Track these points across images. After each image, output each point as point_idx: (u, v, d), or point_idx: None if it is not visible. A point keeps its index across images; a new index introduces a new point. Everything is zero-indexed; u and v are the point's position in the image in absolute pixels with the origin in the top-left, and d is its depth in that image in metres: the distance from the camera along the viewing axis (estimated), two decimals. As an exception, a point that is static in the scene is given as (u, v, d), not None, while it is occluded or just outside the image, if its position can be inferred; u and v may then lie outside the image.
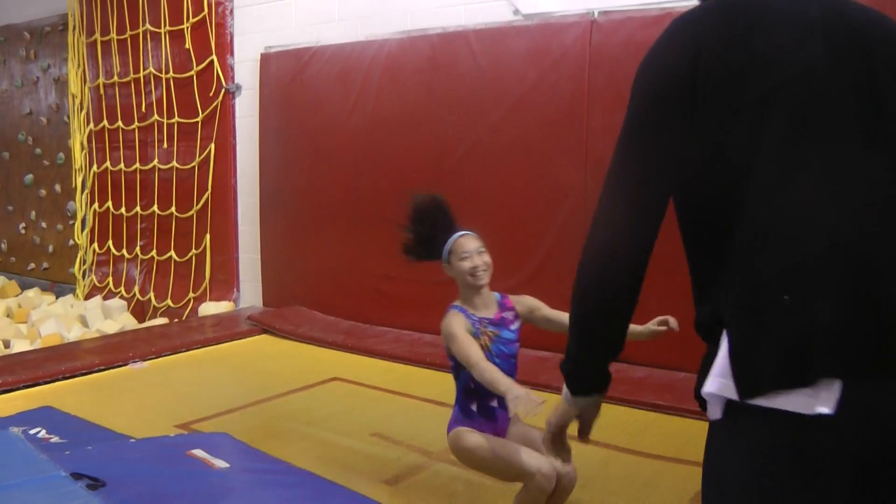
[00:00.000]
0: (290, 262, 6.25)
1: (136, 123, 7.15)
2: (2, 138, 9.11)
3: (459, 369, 2.53)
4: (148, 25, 6.92)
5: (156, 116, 6.97)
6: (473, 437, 2.48)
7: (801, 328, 1.08)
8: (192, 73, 6.64)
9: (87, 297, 7.61)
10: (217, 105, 6.54)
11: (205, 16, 6.51)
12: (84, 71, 7.63)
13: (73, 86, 7.78)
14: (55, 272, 8.57)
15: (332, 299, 5.95)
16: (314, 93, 5.94)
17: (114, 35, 7.22)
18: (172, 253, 6.96)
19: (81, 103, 7.71)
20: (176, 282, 6.97)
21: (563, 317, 2.57)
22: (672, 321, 2.31)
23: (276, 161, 6.26)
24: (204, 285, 6.76)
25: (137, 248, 7.29)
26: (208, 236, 6.72)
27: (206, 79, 6.59)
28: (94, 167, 7.58)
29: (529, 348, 4.31)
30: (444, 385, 4.19)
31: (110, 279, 7.53)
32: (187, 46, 6.65)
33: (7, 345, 6.30)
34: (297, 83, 6.02)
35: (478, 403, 2.53)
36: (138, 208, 7.24)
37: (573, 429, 1.59)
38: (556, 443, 1.60)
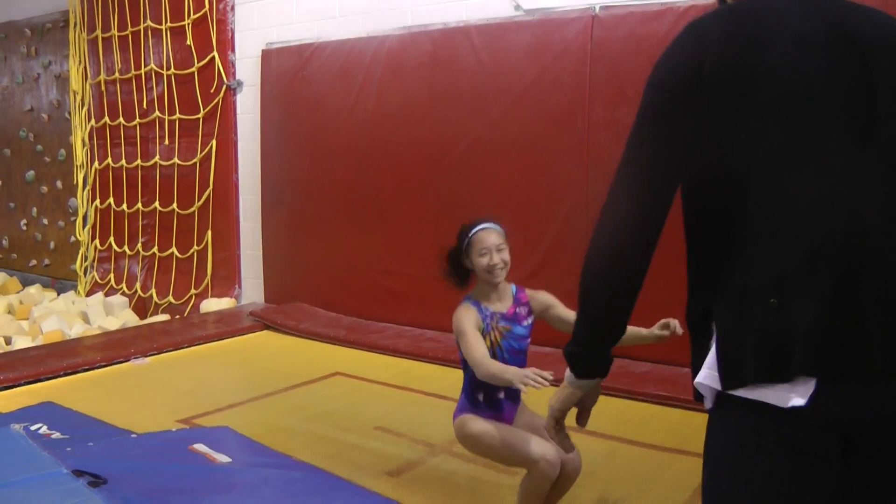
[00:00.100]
0: (292, 259, 6.25)
1: (138, 120, 7.14)
2: (3, 135, 9.11)
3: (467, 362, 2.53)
4: (149, 22, 6.91)
5: (157, 113, 6.96)
6: (479, 424, 2.47)
7: (784, 329, 1.18)
8: (194, 69, 6.63)
9: (88, 294, 7.61)
10: (218, 101, 6.53)
11: (206, 12, 6.50)
12: (85, 67, 7.63)
13: (75, 82, 7.78)
14: (57, 269, 8.57)
15: (333, 295, 5.95)
16: (315, 89, 5.93)
17: (115, 31, 7.21)
18: (174, 249, 6.96)
19: (83, 100, 7.71)
20: (178, 278, 6.97)
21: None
22: (674, 324, 2.29)
23: (277, 157, 6.26)
24: (206, 282, 6.76)
25: (139, 245, 7.29)
26: (210, 233, 6.72)
27: (207, 75, 6.58)
28: (96, 164, 7.58)
29: (533, 344, 4.32)
30: (446, 380, 4.21)
31: (112, 276, 7.53)
32: (188, 43, 6.64)
33: (8, 341, 6.30)
34: (299, 79, 6.01)
35: (485, 394, 2.53)
36: (140, 205, 7.24)
37: (571, 420, 1.62)
38: (559, 427, 1.61)
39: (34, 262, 8.82)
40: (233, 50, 6.53)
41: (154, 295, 7.10)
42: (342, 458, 3.25)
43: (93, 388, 4.31)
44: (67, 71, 8.00)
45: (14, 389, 4.27)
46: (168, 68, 6.83)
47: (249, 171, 6.52)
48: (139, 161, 7.20)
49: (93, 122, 7.57)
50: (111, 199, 7.48)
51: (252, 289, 6.64)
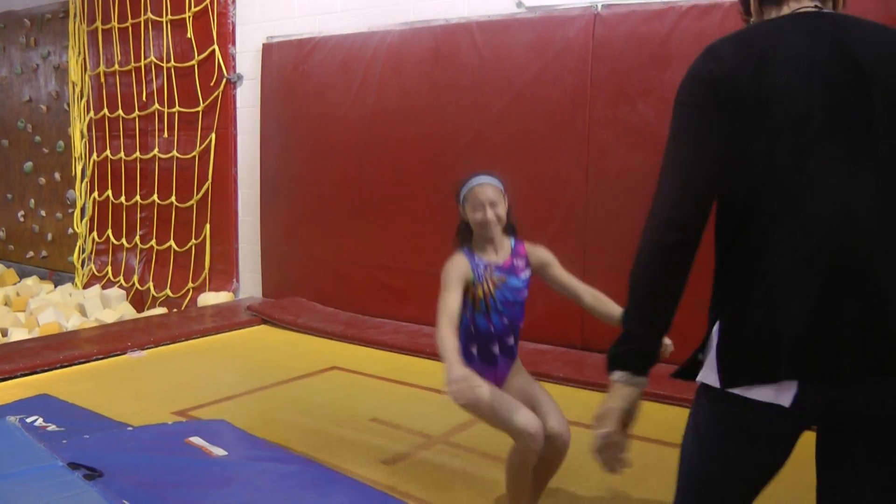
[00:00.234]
0: (290, 253, 6.24)
1: (137, 112, 7.13)
2: (1, 126, 9.09)
3: (461, 311, 2.50)
4: (149, 14, 6.89)
5: (156, 105, 6.94)
6: None
7: (773, 336, 1.35)
8: (194, 62, 6.61)
9: (85, 286, 7.60)
10: (218, 95, 6.52)
11: (207, 5, 6.48)
12: (84, 59, 7.61)
13: (74, 74, 7.75)
14: (54, 261, 8.56)
15: (331, 290, 5.94)
16: (316, 84, 5.91)
17: (115, 23, 7.19)
18: (172, 243, 6.95)
19: (81, 91, 7.68)
20: (175, 272, 6.96)
21: (574, 283, 2.56)
22: (667, 343, 2.27)
23: (276, 151, 6.24)
24: (203, 275, 6.75)
25: (137, 238, 7.28)
26: (208, 226, 6.70)
27: (207, 68, 6.56)
28: (94, 155, 7.56)
29: (529, 341, 4.32)
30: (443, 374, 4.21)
31: (109, 268, 7.52)
32: (189, 35, 6.62)
33: (5, 333, 6.29)
34: (299, 74, 6.00)
35: (479, 347, 2.52)
36: (138, 197, 7.23)
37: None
38: (618, 445, 1.54)
39: (31, 253, 8.80)
40: (233, 43, 6.51)
41: (151, 288, 7.09)
42: (338, 448, 3.26)
43: (89, 381, 4.30)
44: (66, 62, 7.98)
45: (10, 381, 4.26)
46: (168, 61, 6.81)
47: (248, 165, 6.50)
48: (138, 154, 7.18)
49: (92, 113, 7.55)
50: (109, 192, 7.46)
51: (250, 283, 6.63)
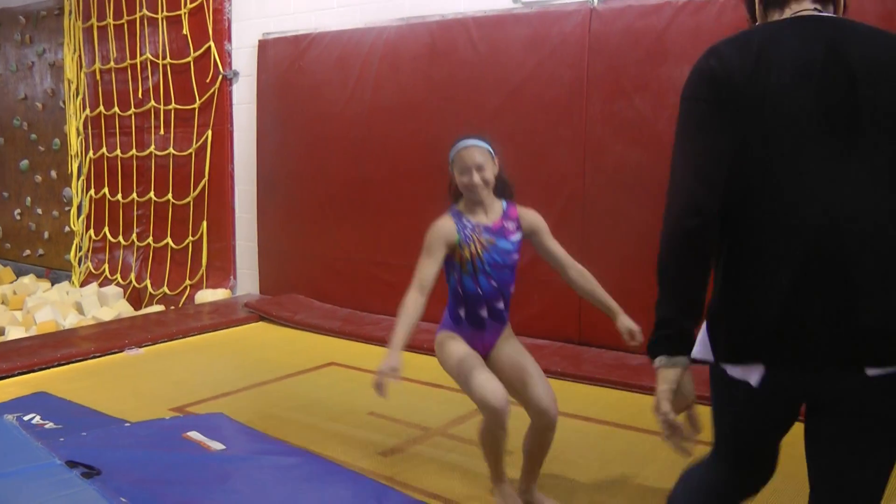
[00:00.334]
0: (288, 250, 6.23)
1: (133, 109, 7.11)
2: (-3, 124, 9.07)
3: (450, 272, 2.51)
4: (145, 11, 6.87)
5: (152, 102, 6.93)
6: (449, 347, 2.49)
7: (746, 324, 1.50)
8: (190, 59, 6.60)
9: (82, 284, 7.59)
10: (214, 91, 6.50)
11: (202, 2, 6.46)
12: (80, 56, 7.59)
13: (69, 71, 7.73)
14: (51, 259, 8.54)
15: (329, 287, 5.94)
16: (312, 80, 5.90)
17: (110, 20, 7.18)
18: (169, 240, 6.94)
19: (77, 88, 7.67)
20: (172, 269, 6.96)
21: (562, 255, 2.56)
22: (638, 335, 2.39)
23: (273, 148, 6.23)
24: (201, 273, 6.74)
25: (134, 235, 7.27)
26: (205, 223, 6.70)
27: (203, 65, 6.55)
28: (91, 153, 7.55)
29: (526, 336, 4.32)
30: (441, 370, 4.20)
31: (106, 266, 7.51)
32: (185, 32, 6.61)
33: (2, 332, 6.29)
34: (295, 70, 5.99)
35: (466, 310, 2.51)
36: (135, 195, 7.21)
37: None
38: (675, 428, 1.57)
39: (28, 252, 8.79)
40: (229, 40, 6.50)
41: (149, 285, 7.09)
42: (336, 442, 3.27)
43: (87, 379, 4.30)
44: (62, 59, 7.96)
45: (8, 380, 4.25)
46: (164, 58, 6.79)
47: (245, 162, 6.49)
48: (134, 151, 7.17)
49: (87, 111, 7.54)
50: (106, 189, 7.45)
51: (247, 280, 6.62)
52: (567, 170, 4.70)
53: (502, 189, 2.57)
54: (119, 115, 7.24)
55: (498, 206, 2.54)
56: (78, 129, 7.66)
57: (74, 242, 7.84)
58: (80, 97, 7.61)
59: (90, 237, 7.66)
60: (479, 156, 2.46)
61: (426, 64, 5.29)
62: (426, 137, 5.29)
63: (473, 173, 2.45)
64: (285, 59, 6.05)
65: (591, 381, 4.06)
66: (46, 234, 8.57)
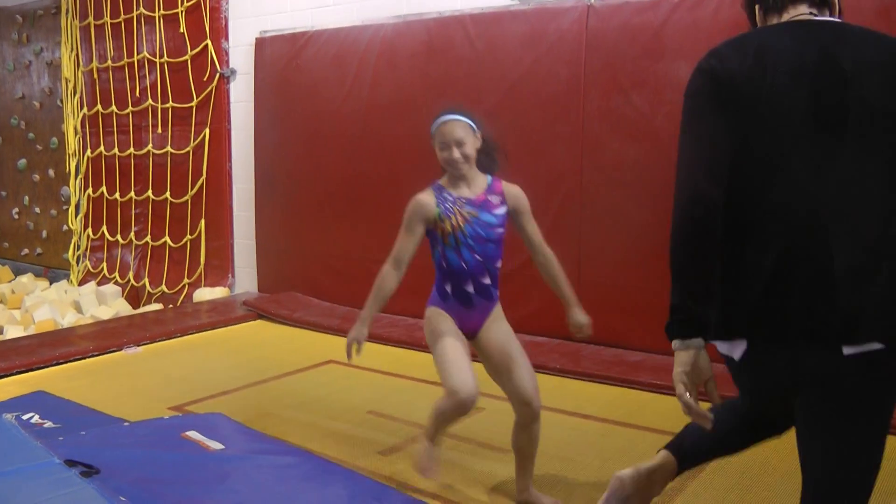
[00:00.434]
0: (286, 248, 6.23)
1: (130, 108, 7.11)
2: (-6, 123, 9.06)
3: (434, 246, 2.50)
4: (142, 9, 6.86)
5: (150, 101, 6.92)
6: (435, 323, 2.50)
7: (732, 303, 1.61)
8: (187, 57, 6.59)
9: (81, 283, 7.58)
10: (212, 90, 6.50)
11: (199, 0, 6.47)
12: (77, 55, 7.58)
13: (67, 70, 7.72)
14: (49, 258, 8.54)
15: (327, 285, 5.94)
16: (309, 78, 5.90)
17: (107, 18, 7.17)
18: (167, 238, 6.94)
19: (75, 87, 7.66)
20: (171, 267, 6.96)
21: (536, 239, 2.55)
22: (586, 329, 2.52)
23: (271, 146, 6.23)
24: (199, 271, 6.74)
25: (132, 234, 7.26)
26: (203, 222, 6.69)
27: (200, 63, 6.54)
28: (88, 152, 7.54)
29: (526, 333, 4.33)
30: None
31: (104, 265, 7.50)
32: (182, 30, 6.60)
33: (0, 331, 6.28)
34: (293, 68, 5.98)
35: (452, 286, 2.50)
36: (133, 193, 7.21)
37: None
38: (692, 405, 1.63)
39: (26, 251, 8.78)
40: (226, 38, 6.49)
41: (147, 284, 7.08)
42: (334, 441, 3.27)
43: (85, 378, 4.30)
44: (59, 58, 7.95)
45: (6, 379, 4.25)
46: (161, 56, 6.78)
47: (243, 160, 6.49)
48: (132, 149, 7.16)
49: (85, 109, 7.53)
50: (104, 188, 7.45)
51: (245, 278, 6.62)
52: (564, 166, 4.70)
53: (489, 164, 2.54)
54: (116, 113, 7.23)
55: (482, 180, 2.52)
56: (75, 128, 7.65)
57: (72, 241, 7.84)
58: (78, 96, 7.60)
59: (88, 236, 7.65)
60: (459, 130, 2.44)
61: (423, 61, 5.28)
62: (424, 134, 5.23)
63: (453, 149, 2.44)
64: (282, 56, 6.04)
65: (589, 377, 4.06)
66: (44, 233, 8.56)
